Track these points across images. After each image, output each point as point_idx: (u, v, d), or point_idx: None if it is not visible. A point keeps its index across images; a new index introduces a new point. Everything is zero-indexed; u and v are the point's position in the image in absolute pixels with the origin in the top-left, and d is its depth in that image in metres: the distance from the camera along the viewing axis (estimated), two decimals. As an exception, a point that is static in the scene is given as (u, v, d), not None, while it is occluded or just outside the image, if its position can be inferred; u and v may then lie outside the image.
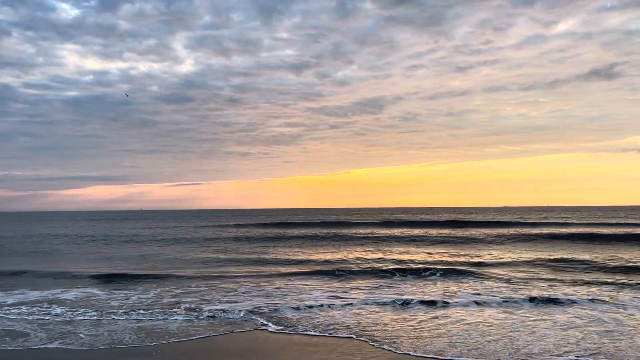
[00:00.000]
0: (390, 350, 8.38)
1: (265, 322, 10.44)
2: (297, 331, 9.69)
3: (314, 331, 9.64)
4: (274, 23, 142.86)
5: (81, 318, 11.02)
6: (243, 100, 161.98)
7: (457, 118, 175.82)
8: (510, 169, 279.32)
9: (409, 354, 8.15)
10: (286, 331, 9.68)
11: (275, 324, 10.18)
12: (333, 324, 10.14)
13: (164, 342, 9.04)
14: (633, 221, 51.76)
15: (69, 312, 11.64)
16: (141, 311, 11.57)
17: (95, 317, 11.05)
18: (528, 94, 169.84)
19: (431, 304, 12.06)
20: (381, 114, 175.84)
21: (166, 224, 62.80)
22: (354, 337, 9.18)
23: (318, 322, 10.36)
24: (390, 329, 9.79)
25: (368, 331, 9.55)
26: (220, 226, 53.89)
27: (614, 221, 51.85)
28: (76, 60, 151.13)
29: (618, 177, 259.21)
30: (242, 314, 11.18)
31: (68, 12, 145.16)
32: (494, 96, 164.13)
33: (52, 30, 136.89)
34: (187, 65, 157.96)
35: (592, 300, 12.17)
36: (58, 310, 11.88)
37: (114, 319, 10.97)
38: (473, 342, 8.77)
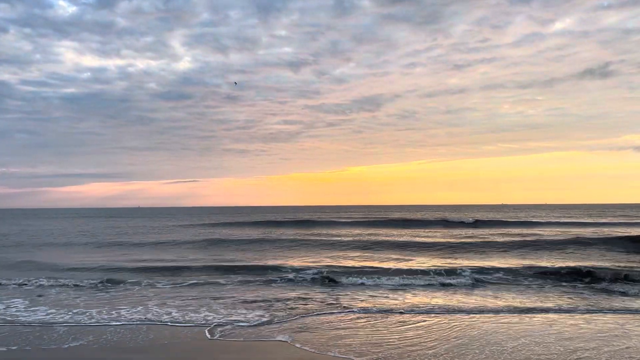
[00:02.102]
0: (313, 351, 8.39)
1: (209, 326, 10.46)
2: (235, 338, 9.67)
3: (249, 338, 9.66)
4: (272, 20, 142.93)
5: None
6: (241, 97, 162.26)
7: (454, 116, 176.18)
8: (508, 166, 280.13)
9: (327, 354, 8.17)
10: (223, 339, 9.59)
11: (214, 330, 10.13)
12: (266, 332, 10.16)
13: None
14: (606, 220, 51.87)
15: None
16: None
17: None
18: (525, 92, 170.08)
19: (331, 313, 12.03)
20: (379, 112, 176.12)
21: (153, 223, 62.73)
22: (285, 340, 9.21)
23: (254, 330, 10.38)
24: (321, 334, 9.79)
25: (298, 335, 9.57)
26: (204, 225, 52.60)
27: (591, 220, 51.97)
28: (73, 57, 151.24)
29: (614, 175, 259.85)
30: (177, 320, 11.19)
31: (65, 9, 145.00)
32: (492, 94, 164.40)
33: (50, 27, 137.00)
34: (185, 62, 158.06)
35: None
36: None
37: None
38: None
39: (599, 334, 9.23)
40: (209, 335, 9.49)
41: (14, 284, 15.81)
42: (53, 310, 11.68)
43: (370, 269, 18.34)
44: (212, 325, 10.16)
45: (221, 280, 16.29)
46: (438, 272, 17.00)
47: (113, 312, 11.42)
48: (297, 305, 12.23)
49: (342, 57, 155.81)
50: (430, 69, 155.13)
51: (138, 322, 10.48)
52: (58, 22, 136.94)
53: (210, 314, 11.20)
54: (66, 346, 8.83)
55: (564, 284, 15.24)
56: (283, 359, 8.14)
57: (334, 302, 12.59)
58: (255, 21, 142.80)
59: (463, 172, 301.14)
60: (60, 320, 10.77)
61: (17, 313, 11.50)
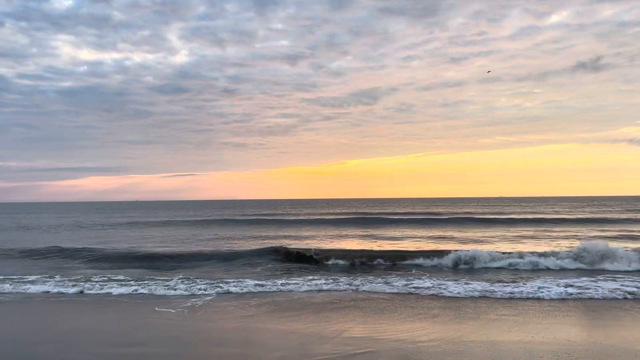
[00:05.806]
0: None
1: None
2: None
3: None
4: (269, 14, 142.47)
5: None
6: (238, 91, 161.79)
7: (451, 109, 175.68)
8: (505, 159, 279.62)
9: None
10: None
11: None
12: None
13: None
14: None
15: None
16: None
17: None
18: (522, 84, 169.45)
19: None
20: (376, 105, 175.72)
21: (132, 219, 62.36)
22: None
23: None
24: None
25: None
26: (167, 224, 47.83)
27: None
28: (70, 51, 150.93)
29: (609, 168, 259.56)
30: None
31: (62, 2, 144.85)
32: (488, 87, 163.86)
33: (46, 20, 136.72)
34: (182, 56, 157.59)
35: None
36: None
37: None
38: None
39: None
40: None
41: None
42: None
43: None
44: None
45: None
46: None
47: None
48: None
49: (339, 50, 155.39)
50: (427, 62, 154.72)
51: None
52: (54, 15, 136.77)
53: None
54: None
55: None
56: None
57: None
58: (252, 14, 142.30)
59: (460, 165, 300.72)
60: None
61: None
